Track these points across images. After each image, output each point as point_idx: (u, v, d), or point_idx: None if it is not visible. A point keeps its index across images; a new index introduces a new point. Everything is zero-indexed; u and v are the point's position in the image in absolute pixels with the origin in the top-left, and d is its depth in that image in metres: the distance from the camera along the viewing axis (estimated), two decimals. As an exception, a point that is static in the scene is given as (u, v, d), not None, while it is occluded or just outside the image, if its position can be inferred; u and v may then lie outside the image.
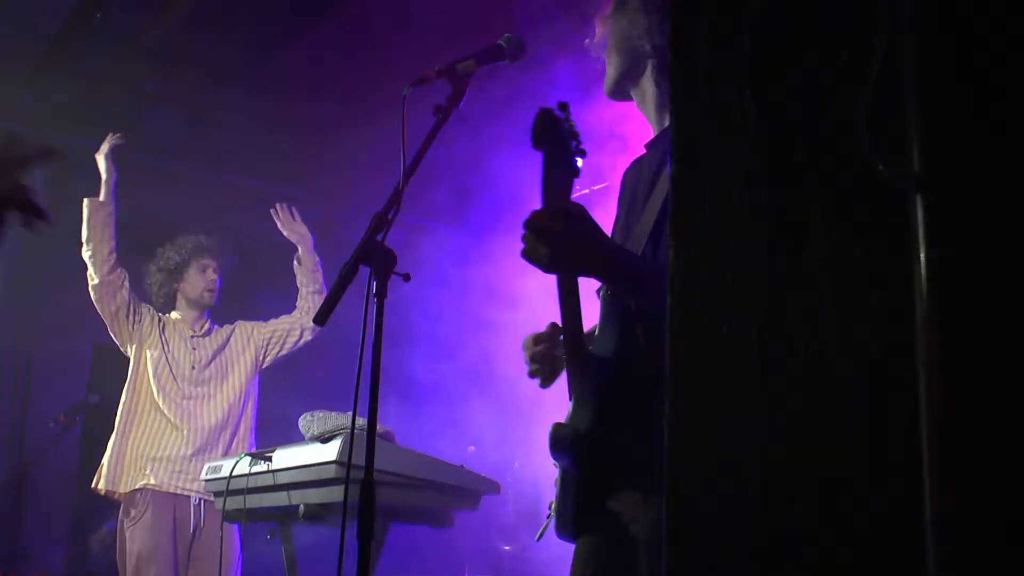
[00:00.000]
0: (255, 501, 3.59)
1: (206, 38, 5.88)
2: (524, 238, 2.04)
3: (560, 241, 2.03)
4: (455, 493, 3.38)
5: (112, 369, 7.28)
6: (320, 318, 2.11)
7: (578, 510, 2.29)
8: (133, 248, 6.01)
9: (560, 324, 2.22)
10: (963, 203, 0.87)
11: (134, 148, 6.59)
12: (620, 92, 2.51)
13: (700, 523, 1.07)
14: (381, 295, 2.14)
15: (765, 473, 1.02)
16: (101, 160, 5.34)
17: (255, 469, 3.54)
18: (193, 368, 5.22)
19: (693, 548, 1.07)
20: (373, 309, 2.14)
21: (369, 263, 2.14)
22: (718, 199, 1.09)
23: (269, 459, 3.48)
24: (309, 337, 5.45)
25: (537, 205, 2.05)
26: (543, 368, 2.38)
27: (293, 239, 5.49)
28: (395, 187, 2.18)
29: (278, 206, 5.51)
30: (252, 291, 6.62)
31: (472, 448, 6.27)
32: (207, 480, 3.93)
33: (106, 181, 5.32)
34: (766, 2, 1.11)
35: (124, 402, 5.18)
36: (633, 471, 2.19)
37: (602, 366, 2.25)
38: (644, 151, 2.53)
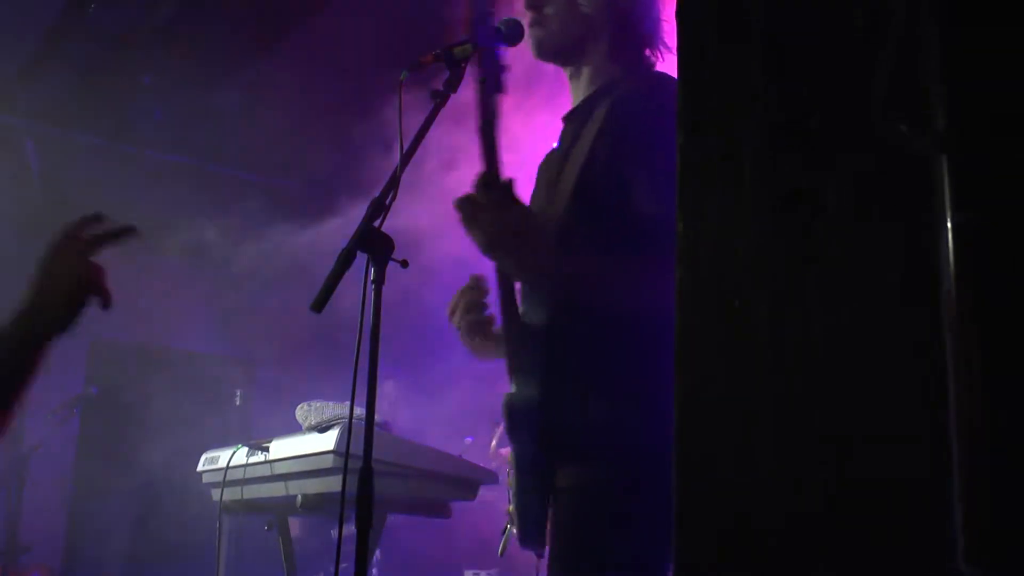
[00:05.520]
0: (252, 492, 3.58)
1: (201, 29, 5.85)
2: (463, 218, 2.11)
3: (490, 234, 2.08)
4: (453, 483, 3.37)
5: (108, 363, 7.28)
6: (317, 305, 2.09)
7: (541, 503, 2.22)
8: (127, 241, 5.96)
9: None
10: (992, 164, 0.84)
11: (128, 140, 6.57)
12: (556, 57, 2.42)
13: (708, 504, 1.05)
14: (379, 282, 2.12)
15: (777, 452, 1.00)
16: None
17: (252, 460, 3.52)
18: None
19: (701, 529, 1.05)
20: (371, 296, 2.11)
21: (367, 249, 2.11)
22: (728, 168, 1.06)
23: (266, 449, 3.47)
24: None
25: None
26: (470, 317, 2.38)
27: None
28: (392, 173, 2.16)
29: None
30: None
31: (469, 440, 6.26)
32: (204, 471, 3.91)
33: None
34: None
35: None
36: (586, 439, 2.17)
37: (539, 335, 2.25)
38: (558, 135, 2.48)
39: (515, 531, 2.32)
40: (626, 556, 2.07)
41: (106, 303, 1.82)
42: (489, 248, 2.11)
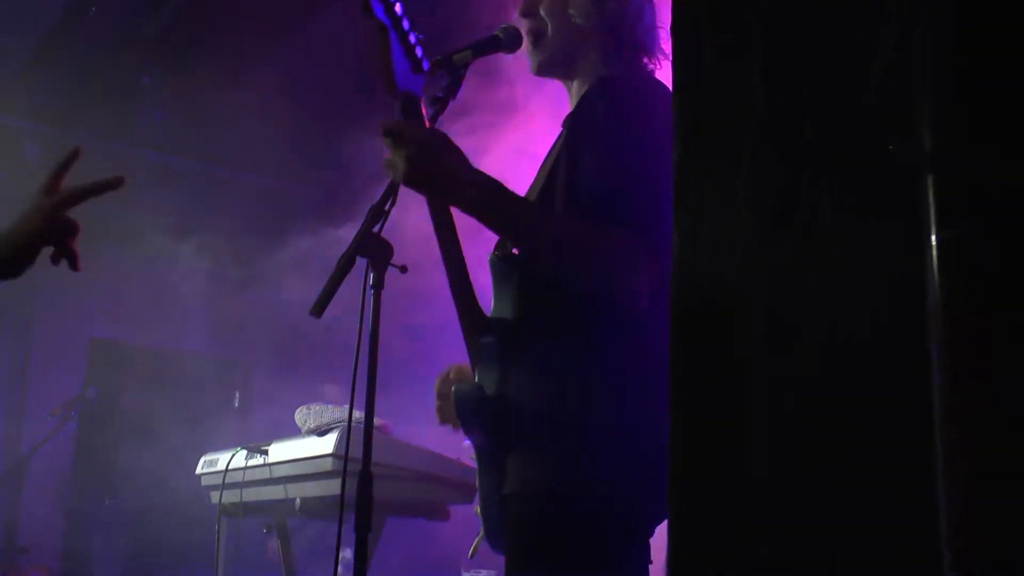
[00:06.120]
0: (252, 495, 3.58)
1: (202, 31, 5.85)
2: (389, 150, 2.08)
3: (416, 149, 2.05)
4: (452, 486, 3.38)
5: (108, 365, 7.28)
6: (316, 310, 2.09)
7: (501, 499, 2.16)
8: (127, 242, 5.98)
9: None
10: (976, 182, 0.85)
11: (129, 142, 6.56)
12: (553, 71, 2.43)
13: (704, 510, 1.05)
14: (378, 287, 2.13)
15: (773, 456, 1.01)
16: None
17: (251, 463, 3.52)
18: None
19: (697, 534, 1.05)
20: (370, 301, 2.13)
21: (366, 254, 2.12)
22: (725, 179, 1.07)
23: (265, 452, 3.47)
24: None
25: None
26: (445, 404, 2.39)
27: None
28: (391, 179, 2.16)
29: None
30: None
31: (468, 442, 6.25)
32: (203, 474, 3.92)
33: None
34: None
35: None
36: (543, 435, 2.11)
37: (501, 328, 2.23)
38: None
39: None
40: (575, 562, 2.04)
41: (72, 263, 1.88)
42: (410, 177, 2.07)
